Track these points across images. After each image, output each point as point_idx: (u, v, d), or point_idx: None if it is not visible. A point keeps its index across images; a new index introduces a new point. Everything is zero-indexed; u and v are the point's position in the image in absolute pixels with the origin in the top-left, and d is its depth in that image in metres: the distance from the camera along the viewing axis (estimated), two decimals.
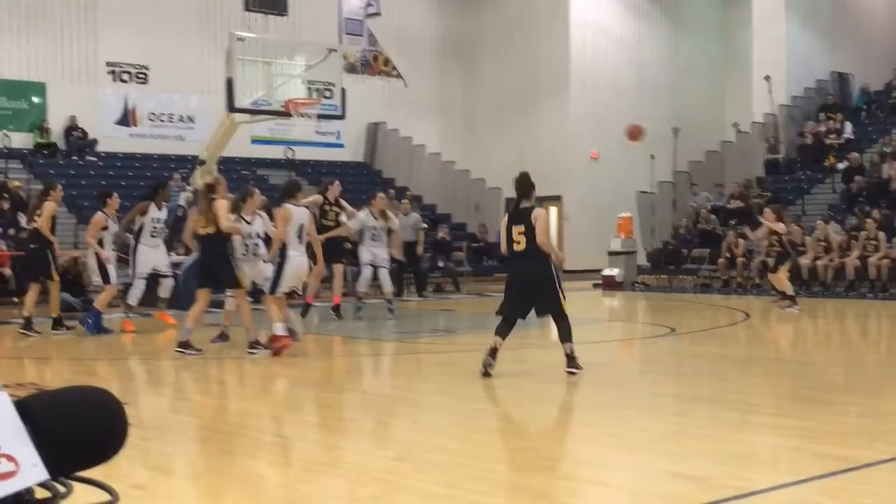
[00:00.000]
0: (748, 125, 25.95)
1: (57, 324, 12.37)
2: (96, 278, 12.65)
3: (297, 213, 10.45)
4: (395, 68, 27.97)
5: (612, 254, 22.52)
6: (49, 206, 12.04)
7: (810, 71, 26.55)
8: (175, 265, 17.49)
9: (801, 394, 7.94)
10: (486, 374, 8.28)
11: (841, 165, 22.32)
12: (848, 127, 24.27)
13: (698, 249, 21.33)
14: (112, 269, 12.49)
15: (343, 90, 17.18)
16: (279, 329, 10.10)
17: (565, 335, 8.46)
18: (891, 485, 5.02)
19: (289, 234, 10.24)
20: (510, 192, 27.89)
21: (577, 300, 19.86)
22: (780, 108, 25.47)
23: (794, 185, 23.22)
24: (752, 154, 25.41)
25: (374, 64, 27.65)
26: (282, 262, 10.25)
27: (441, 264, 21.12)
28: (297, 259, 10.35)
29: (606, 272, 21.92)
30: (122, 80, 23.75)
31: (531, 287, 8.45)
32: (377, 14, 27.40)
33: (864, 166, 21.95)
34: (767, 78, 25.03)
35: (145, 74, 23.96)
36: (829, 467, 5.21)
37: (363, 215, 14.24)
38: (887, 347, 11.76)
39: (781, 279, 15.07)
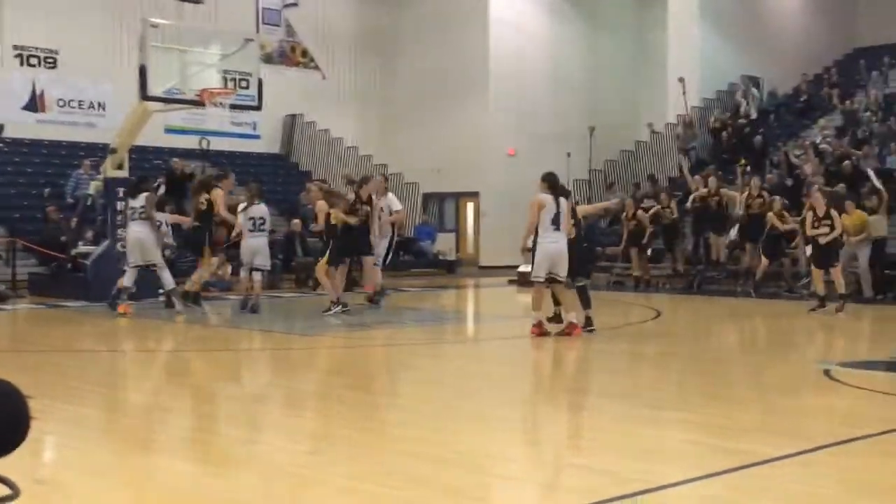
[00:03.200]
0: (662, 125, 26.42)
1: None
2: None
3: None
4: (312, 60, 27.78)
5: (527, 251, 22.66)
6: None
7: (722, 74, 27.15)
8: (83, 255, 17.18)
9: (709, 390, 8.11)
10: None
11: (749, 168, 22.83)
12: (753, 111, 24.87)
13: (612, 248, 21.62)
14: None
15: (260, 81, 16.94)
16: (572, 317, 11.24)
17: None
18: (790, 479, 5.15)
19: None
20: (427, 187, 28.12)
21: (493, 296, 20.07)
22: (693, 109, 25.99)
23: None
24: (666, 154, 25.89)
25: (291, 55, 27.41)
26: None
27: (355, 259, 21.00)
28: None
29: (522, 269, 22.04)
30: (30, 65, 23.13)
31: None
32: (295, 4, 27.16)
33: (779, 164, 22.56)
34: (681, 80, 25.51)
35: (54, 59, 23.36)
36: (733, 462, 5.33)
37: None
38: (792, 345, 12.08)
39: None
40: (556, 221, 10.93)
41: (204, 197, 14.09)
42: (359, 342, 11.76)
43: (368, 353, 11.07)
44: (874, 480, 5.13)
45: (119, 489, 5.10)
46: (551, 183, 11.08)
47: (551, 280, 11.14)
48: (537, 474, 5.35)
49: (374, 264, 14.82)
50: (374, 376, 9.30)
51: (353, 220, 13.92)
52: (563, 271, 11.09)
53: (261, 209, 14.99)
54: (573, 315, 11.31)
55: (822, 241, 13.72)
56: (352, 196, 14.09)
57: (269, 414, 7.39)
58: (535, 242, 11.08)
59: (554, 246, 10.97)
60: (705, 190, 19.14)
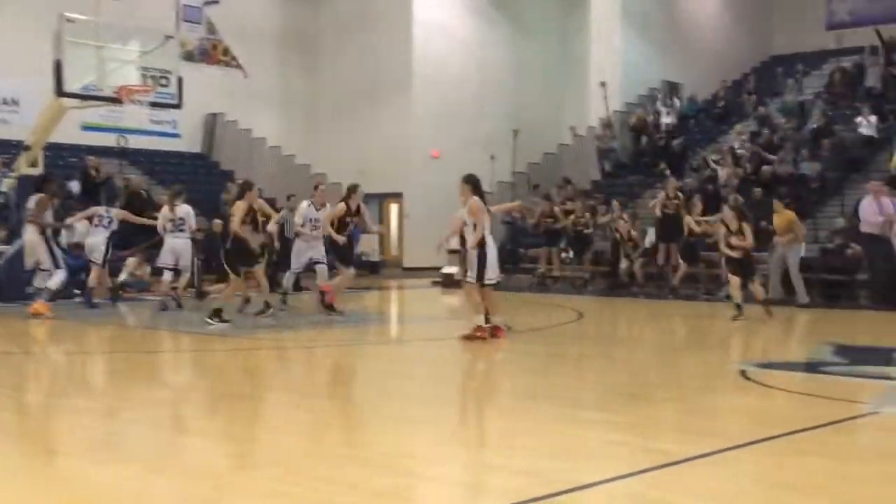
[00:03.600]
0: (584, 129, 26.70)
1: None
2: None
3: None
4: (234, 58, 27.45)
5: (451, 252, 22.69)
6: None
7: (643, 79, 27.54)
8: None
9: (630, 391, 8.20)
10: None
11: (668, 172, 23.19)
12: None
13: (534, 249, 21.79)
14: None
15: (180, 78, 16.67)
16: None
17: None
18: (709, 478, 5.23)
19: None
20: None
21: (417, 298, 20.05)
22: (615, 113, 26.31)
23: (626, 188, 23.99)
24: (588, 158, 26.17)
25: (212, 53, 27.06)
26: None
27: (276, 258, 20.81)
28: None
29: (445, 270, 22.10)
30: None
31: None
32: (216, 2, 26.80)
33: (699, 168, 22.97)
34: (603, 84, 25.82)
35: None
36: (655, 461, 5.39)
37: (305, 205, 14.83)
38: (710, 346, 12.29)
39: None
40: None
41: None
42: (282, 344, 11.63)
43: (292, 354, 10.96)
44: (790, 478, 5.23)
45: (33, 494, 4.95)
46: (476, 184, 11.12)
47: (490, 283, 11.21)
48: (462, 475, 5.34)
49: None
50: (297, 378, 9.20)
51: (341, 240, 13.68)
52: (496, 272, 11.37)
53: (183, 209, 14.80)
54: (500, 318, 11.31)
55: (736, 255, 13.81)
56: (342, 206, 13.60)
57: (191, 417, 7.26)
58: (481, 246, 11.04)
59: (494, 250, 11.16)
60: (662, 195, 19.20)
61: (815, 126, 22.62)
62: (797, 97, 25.13)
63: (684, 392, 8.38)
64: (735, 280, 13.90)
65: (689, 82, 28.22)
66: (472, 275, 11.10)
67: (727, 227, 13.99)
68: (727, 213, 14.26)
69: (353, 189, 13.87)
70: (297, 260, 14.68)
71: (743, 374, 8.68)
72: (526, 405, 7.53)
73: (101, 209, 15.71)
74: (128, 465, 5.53)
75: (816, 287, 16.80)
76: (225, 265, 12.70)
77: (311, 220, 14.58)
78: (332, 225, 13.52)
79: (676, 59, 28.17)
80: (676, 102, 26.85)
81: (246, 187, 13.08)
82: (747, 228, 13.89)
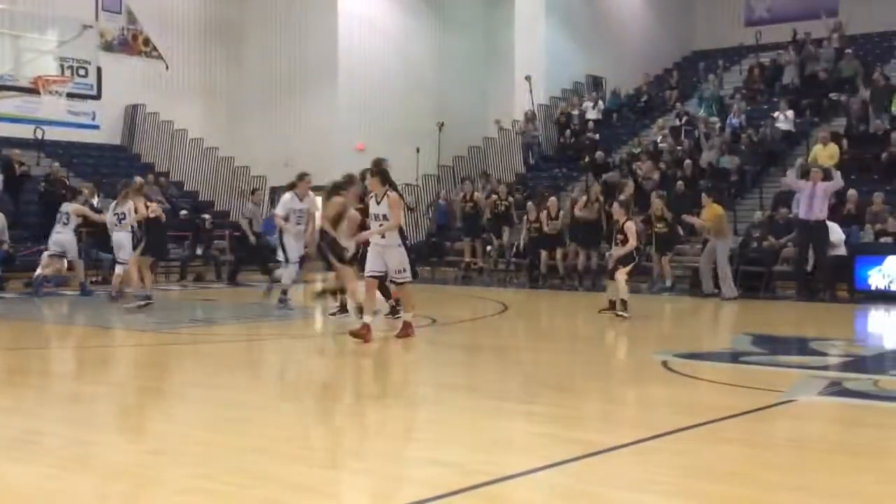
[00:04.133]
0: (509, 122, 26.84)
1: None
2: None
3: None
4: (155, 49, 26.98)
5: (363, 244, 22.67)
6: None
7: (568, 73, 27.79)
8: None
9: (553, 382, 8.27)
10: None
11: (605, 179, 23.44)
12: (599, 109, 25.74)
13: (459, 242, 21.86)
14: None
15: (99, 69, 16.43)
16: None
17: None
18: (629, 467, 5.31)
19: None
20: (275, 181, 27.71)
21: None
22: (539, 107, 26.49)
23: (551, 181, 24.19)
24: (513, 151, 26.34)
25: (133, 43, 26.56)
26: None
27: (200, 252, 20.61)
28: None
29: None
30: None
31: None
32: None
33: (609, 164, 23.23)
34: (528, 77, 25.97)
35: None
36: (578, 451, 5.45)
37: (288, 197, 14.19)
38: (632, 337, 12.46)
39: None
40: None
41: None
42: (206, 338, 11.50)
43: (215, 349, 10.84)
44: (710, 466, 5.33)
45: None
46: (386, 175, 10.47)
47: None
48: (383, 467, 5.33)
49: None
50: (219, 372, 9.10)
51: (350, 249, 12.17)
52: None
53: (127, 205, 14.81)
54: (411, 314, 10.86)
55: (617, 253, 13.28)
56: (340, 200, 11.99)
57: (109, 414, 7.14)
58: (403, 243, 10.62)
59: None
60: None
61: (734, 121, 23.07)
62: (717, 92, 25.58)
63: (607, 383, 8.49)
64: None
65: (612, 76, 28.56)
66: (403, 276, 10.57)
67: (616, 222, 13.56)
68: (615, 208, 13.82)
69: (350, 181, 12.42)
70: (294, 253, 14.11)
71: (664, 364, 8.82)
72: (449, 396, 7.56)
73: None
74: (41, 462, 5.42)
75: (737, 279, 17.11)
76: (332, 259, 12.03)
77: (296, 211, 13.98)
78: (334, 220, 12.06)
79: (600, 54, 28.48)
80: (601, 103, 27.09)
81: (350, 182, 12.20)
82: (630, 227, 13.23)
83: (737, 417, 6.53)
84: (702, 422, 6.28)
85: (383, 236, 10.25)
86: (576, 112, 26.46)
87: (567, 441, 5.87)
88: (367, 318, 10.29)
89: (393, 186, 10.49)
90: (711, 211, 16.91)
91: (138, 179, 15.33)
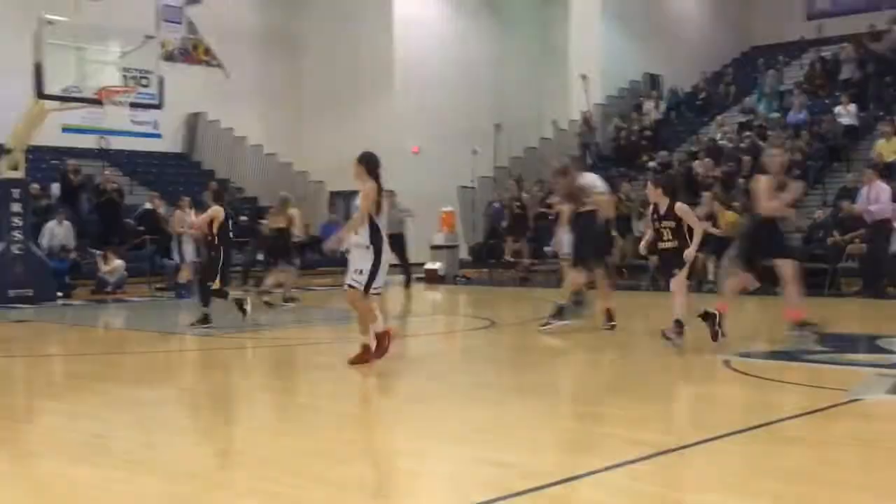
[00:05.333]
0: (566, 122, 26.73)
1: None
2: None
3: None
4: (215, 58, 27.35)
5: (434, 248, 22.75)
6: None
7: (624, 71, 27.60)
8: None
9: (614, 383, 8.22)
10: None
11: (652, 164, 23.25)
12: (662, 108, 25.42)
13: (516, 244, 21.82)
14: None
15: (160, 79, 16.65)
16: None
17: None
18: (697, 466, 5.26)
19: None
20: (333, 185, 27.93)
21: (401, 294, 20.02)
22: (596, 106, 26.35)
23: (607, 181, 23.98)
24: (570, 151, 26.20)
25: (193, 53, 26.94)
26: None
27: (261, 257, 20.80)
28: None
29: (429, 266, 22.13)
30: None
31: None
32: (197, 2, 26.66)
33: (671, 164, 22.96)
34: (584, 77, 25.85)
35: None
36: (642, 452, 5.40)
37: None
38: (693, 337, 12.32)
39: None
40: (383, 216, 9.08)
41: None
42: (266, 342, 11.62)
43: (275, 352, 10.95)
44: (775, 465, 5.26)
45: (18, 496, 4.93)
46: (371, 163, 9.25)
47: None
48: (449, 469, 5.34)
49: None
50: (281, 376, 9.19)
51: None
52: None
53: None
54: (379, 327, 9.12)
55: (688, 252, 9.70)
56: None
57: (174, 416, 7.24)
58: (373, 243, 8.84)
59: (387, 250, 8.99)
60: None
61: (795, 116, 22.74)
62: (777, 88, 25.23)
63: (669, 383, 8.41)
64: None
65: (669, 74, 28.32)
66: (358, 280, 8.79)
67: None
68: (649, 188, 11.88)
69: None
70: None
71: (727, 364, 8.72)
72: (511, 398, 7.54)
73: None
74: (109, 465, 5.52)
75: (800, 276, 16.82)
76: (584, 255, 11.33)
77: None
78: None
79: (657, 51, 28.25)
80: (662, 103, 26.85)
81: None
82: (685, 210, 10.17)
83: (802, 417, 6.45)
84: (767, 421, 6.20)
85: (357, 233, 8.87)
86: (634, 113, 26.26)
87: (631, 442, 5.83)
88: (365, 338, 8.90)
89: (375, 178, 9.12)
90: (725, 218, 16.95)
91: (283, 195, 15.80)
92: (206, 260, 12.70)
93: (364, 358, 8.74)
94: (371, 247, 8.76)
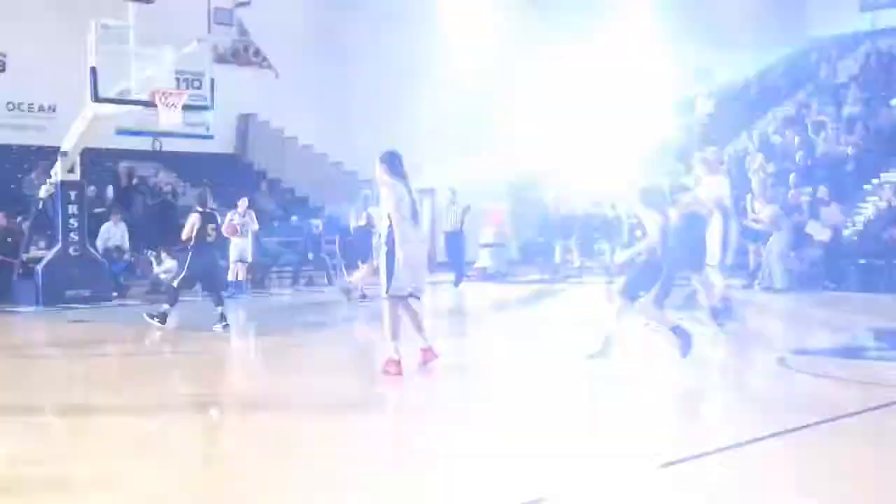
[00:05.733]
0: None
1: None
2: None
3: None
4: (265, 59, 27.60)
5: (484, 246, 22.76)
6: None
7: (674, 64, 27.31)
8: (35, 260, 16.94)
9: (669, 380, 8.14)
10: None
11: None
12: None
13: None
14: None
15: (212, 80, 16.82)
16: None
17: None
18: (751, 464, 5.21)
19: None
20: None
21: (447, 292, 20.05)
22: None
23: None
24: None
25: (243, 54, 27.21)
26: None
27: (311, 257, 20.99)
28: None
29: (478, 264, 22.14)
30: None
31: None
32: (247, 3, 26.91)
33: (722, 159, 22.74)
34: None
35: (3, 61, 22.97)
36: (696, 450, 5.34)
37: None
38: (748, 335, 12.21)
39: None
40: (414, 215, 8.45)
41: None
42: (317, 341, 11.69)
43: (326, 351, 11.01)
44: (830, 463, 5.20)
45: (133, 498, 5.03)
46: (391, 163, 8.71)
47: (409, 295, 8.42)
48: (504, 464, 5.35)
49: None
50: (331, 374, 9.25)
51: None
52: (423, 283, 8.56)
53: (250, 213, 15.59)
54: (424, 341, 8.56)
55: None
56: None
57: (229, 414, 7.32)
58: (387, 244, 8.38)
59: (411, 249, 8.30)
60: None
61: (850, 109, 22.39)
62: (832, 80, 24.85)
63: (723, 381, 8.33)
64: None
65: (720, 67, 27.95)
66: (384, 286, 8.33)
67: None
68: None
69: None
70: None
71: (782, 361, 8.62)
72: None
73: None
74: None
75: (854, 272, 16.65)
76: None
77: None
78: None
79: (708, 44, 27.90)
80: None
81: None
82: None
83: (859, 414, 6.36)
84: (822, 419, 6.13)
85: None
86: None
87: (685, 440, 5.80)
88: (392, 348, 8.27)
89: (400, 177, 8.59)
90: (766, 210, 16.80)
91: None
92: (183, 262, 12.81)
93: (386, 369, 8.15)
94: (386, 247, 8.33)
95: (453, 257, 20.73)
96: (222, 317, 11.95)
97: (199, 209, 12.29)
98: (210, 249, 12.33)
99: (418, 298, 8.50)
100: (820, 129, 21.71)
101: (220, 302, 12.10)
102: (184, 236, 12.25)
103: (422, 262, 8.42)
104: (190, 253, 12.20)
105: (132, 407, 7.33)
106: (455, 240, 20.70)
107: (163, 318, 12.18)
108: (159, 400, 7.85)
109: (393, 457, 5.77)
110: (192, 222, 12.16)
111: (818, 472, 5.06)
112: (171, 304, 12.36)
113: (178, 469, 5.44)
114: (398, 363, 8.08)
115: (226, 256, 18.00)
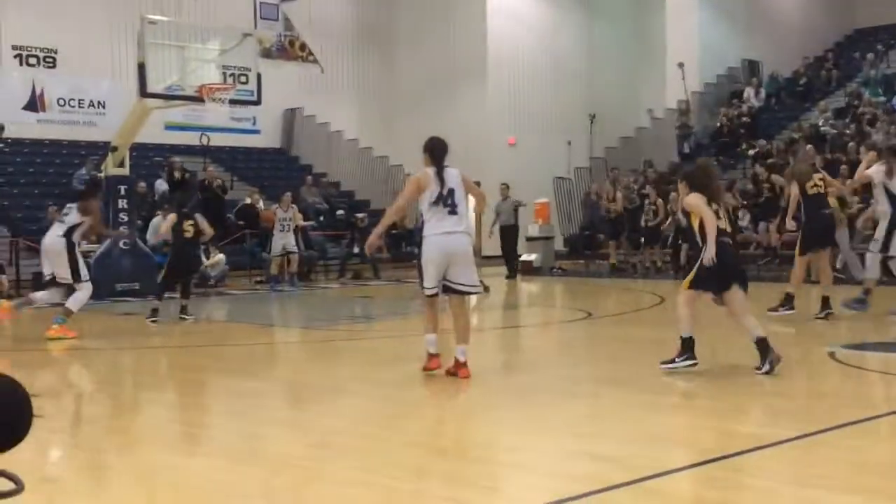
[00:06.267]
0: (662, 111, 26.37)
1: None
2: None
3: None
4: (311, 53, 27.74)
5: (529, 239, 22.71)
6: None
7: (722, 58, 27.08)
8: (85, 255, 17.19)
9: (714, 375, 8.09)
10: None
11: (752, 151, 22.81)
12: (762, 95, 24.83)
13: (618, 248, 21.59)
14: None
15: (258, 75, 16.95)
16: None
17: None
18: (797, 460, 5.15)
19: None
20: None
21: (496, 285, 20.07)
22: (693, 94, 25.92)
23: None
24: (666, 140, 25.85)
25: (289, 49, 27.37)
26: None
27: (357, 251, 21.07)
28: None
29: (525, 258, 22.08)
30: (29, 64, 23.12)
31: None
32: None
33: (772, 151, 22.46)
34: (681, 65, 25.45)
35: (53, 58, 23.35)
36: (742, 446, 5.32)
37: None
38: (798, 329, 12.06)
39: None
40: (448, 202, 7.76)
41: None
42: (363, 334, 11.76)
43: (372, 345, 11.07)
44: (880, 460, 5.12)
45: (120, 487, 5.09)
46: (434, 152, 8.09)
47: (449, 290, 7.82)
48: (544, 462, 5.34)
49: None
50: (377, 368, 9.29)
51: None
52: (465, 277, 7.78)
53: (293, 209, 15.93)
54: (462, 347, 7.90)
55: None
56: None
57: (274, 408, 7.39)
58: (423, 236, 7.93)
59: (438, 241, 7.69)
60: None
61: None
62: (883, 71, 24.46)
63: (771, 375, 8.24)
64: None
65: (769, 60, 27.67)
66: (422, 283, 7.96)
67: None
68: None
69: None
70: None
71: (832, 356, 8.51)
72: (608, 390, 7.49)
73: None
74: (210, 455, 5.66)
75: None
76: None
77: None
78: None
79: (756, 36, 27.63)
80: (762, 92, 26.26)
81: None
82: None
83: None
84: (872, 415, 6.04)
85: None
86: (734, 101, 25.71)
87: (730, 435, 5.75)
88: (427, 344, 8.02)
89: (437, 165, 7.97)
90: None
91: None
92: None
93: (428, 366, 7.96)
94: (422, 239, 7.89)
95: (508, 251, 20.93)
96: (184, 308, 12.72)
97: (178, 207, 13.12)
98: (188, 246, 12.90)
99: (464, 293, 7.88)
100: (872, 121, 21.36)
101: (187, 295, 12.84)
102: (162, 231, 12.88)
103: (457, 256, 7.68)
104: (171, 250, 12.91)
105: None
106: (510, 233, 20.88)
107: (154, 314, 12.56)
108: (206, 391, 7.89)
109: None
110: (169, 223, 12.87)
111: (863, 468, 4.98)
112: (159, 300, 12.81)
113: None
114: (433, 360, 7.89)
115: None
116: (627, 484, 4.63)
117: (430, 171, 7.80)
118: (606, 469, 4.98)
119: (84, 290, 11.14)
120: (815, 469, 4.98)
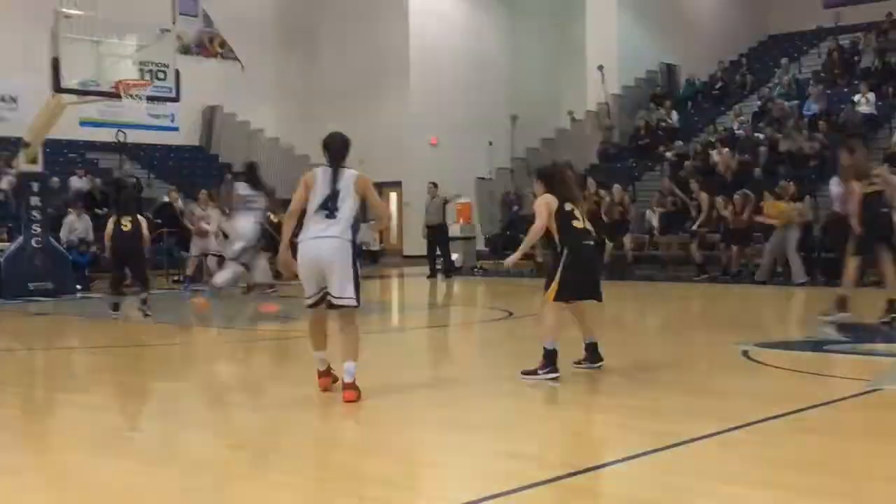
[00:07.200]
0: (582, 113, 26.65)
1: None
2: None
3: None
4: (231, 50, 27.43)
5: (451, 239, 22.74)
6: None
7: (641, 62, 27.46)
8: None
9: (631, 373, 8.20)
10: None
11: (669, 154, 23.17)
12: (675, 115, 25.29)
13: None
14: None
15: (177, 72, 16.67)
16: None
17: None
18: (715, 457, 5.25)
19: None
20: None
21: (418, 285, 20.08)
22: (613, 97, 26.25)
23: (625, 171, 23.96)
24: (586, 142, 26.13)
25: (209, 46, 27.03)
26: None
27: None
28: None
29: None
30: None
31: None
32: None
33: (689, 154, 22.85)
34: (600, 68, 25.74)
35: None
36: (659, 443, 5.39)
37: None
38: (711, 327, 12.29)
39: None
40: (328, 205, 6.87)
41: None
42: (279, 335, 11.66)
43: (288, 345, 10.97)
44: (794, 456, 5.24)
45: (37, 490, 4.96)
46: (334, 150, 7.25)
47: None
48: (468, 461, 5.35)
49: None
50: (295, 368, 9.21)
51: None
52: (337, 287, 6.85)
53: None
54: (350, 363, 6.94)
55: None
56: None
57: (196, 410, 7.28)
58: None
59: (313, 244, 6.83)
60: None
61: (812, 105, 22.59)
62: (795, 76, 25.05)
63: (687, 373, 8.38)
64: None
65: (686, 64, 28.15)
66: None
67: None
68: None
69: None
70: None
71: (745, 354, 8.69)
72: (528, 389, 7.52)
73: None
74: (130, 457, 5.55)
75: (818, 266, 16.86)
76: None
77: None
78: None
79: (674, 41, 28.06)
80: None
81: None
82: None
83: (821, 407, 6.42)
84: (785, 412, 6.18)
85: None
86: (653, 106, 26.05)
87: (648, 433, 5.82)
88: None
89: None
90: (776, 208, 16.93)
91: None
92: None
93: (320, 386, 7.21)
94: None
95: (441, 250, 20.88)
96: (143, 302, 12.72)
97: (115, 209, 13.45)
98: (127, 239, 12.69)
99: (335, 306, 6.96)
100: (783, 125, 21.86)
101: (144, 289, 12.85)
102: (106, 236, 12.84)
103: (323, 261, 6.82)
104: (111, 244, 12.82)
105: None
106: (440, 232, 20.85)
107: (116, 307, 12.77)
108: (122, 392, 7.75)
109: None
110: (109, 227, 12.82)
111: (779, 464, 5.09)
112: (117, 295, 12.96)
113: None
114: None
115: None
116: (548, 482, 4.67)
117: (320, 170, 7.05)
118: (527, 467, 5.01)
119: None
120: (732, 466, 5.07)
